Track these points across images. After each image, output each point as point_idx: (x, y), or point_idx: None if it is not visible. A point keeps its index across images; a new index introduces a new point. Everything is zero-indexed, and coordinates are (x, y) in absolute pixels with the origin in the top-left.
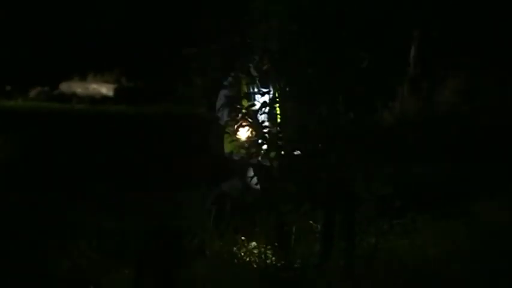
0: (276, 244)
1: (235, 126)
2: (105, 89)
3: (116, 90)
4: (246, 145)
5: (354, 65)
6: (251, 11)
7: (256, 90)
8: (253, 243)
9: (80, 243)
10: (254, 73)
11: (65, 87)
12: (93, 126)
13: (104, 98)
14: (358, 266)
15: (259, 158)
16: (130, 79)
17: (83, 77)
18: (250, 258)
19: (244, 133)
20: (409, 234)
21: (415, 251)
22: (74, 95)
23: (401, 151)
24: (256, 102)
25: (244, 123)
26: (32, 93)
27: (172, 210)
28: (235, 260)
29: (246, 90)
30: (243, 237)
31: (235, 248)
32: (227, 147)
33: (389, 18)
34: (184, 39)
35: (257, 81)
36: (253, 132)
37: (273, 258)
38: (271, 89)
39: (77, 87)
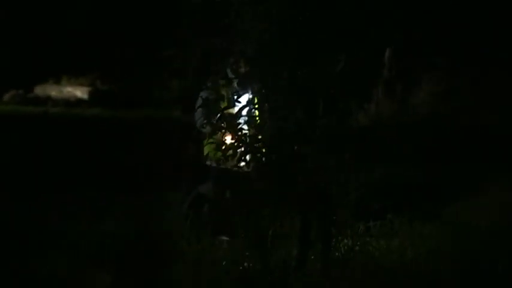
0: (253, 247)
1: (212, 130)
2: (80, 92)
3: (90, 93)
4: (223, 147)
5: (329, 68)
6: (229, 13)
7: (233, 93)
8: (231, 246)
9: (59, 248)
10: (231, 76)
11: (39, 90)
12: (68, 129)
13: (79, 101)
14: (335, 268)
15: (233, 162)
16: (105, 82)
17: (57, 80)
18: (228, 262)
19: (222, 136)
20: (386, 236)
21: (391, 253)
22: (48, 98)
23: (377, 153)
24: (236, 106)
25: (221, 127)
26: (6, 96)
27: (150, 214)
28: (213, 263)
29: (225, 94)
30: (222, 239)
31: (212, 251)
32: (205, 150)
33: (366, 21)
34: (162, 41)
35: (234, 84)
36: (230, 136)
37: (251, 262)
38: (249, 92)
39: (52, 90)
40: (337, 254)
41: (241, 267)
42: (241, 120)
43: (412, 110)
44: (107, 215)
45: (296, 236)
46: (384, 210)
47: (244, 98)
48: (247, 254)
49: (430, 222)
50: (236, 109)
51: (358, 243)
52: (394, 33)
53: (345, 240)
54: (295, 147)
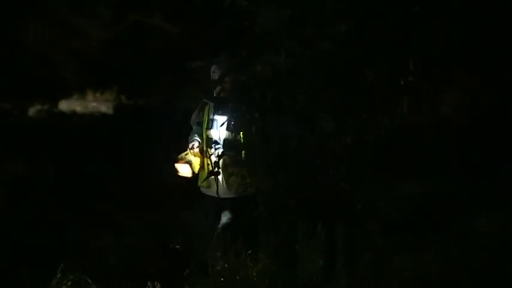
0: (279, 262)
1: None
2: (105, 107)
3: (115, 108)
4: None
5: (357, 81)
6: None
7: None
8: (257, 262)
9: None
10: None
11: (64, 105)
12: (93, 144)
13: (104, 116)
14: (362, 282)
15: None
16: (130, 97)
17: (82, 95)
18: (253, 277)
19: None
20: (413, 250)
21: (418, 268)
22: (73, 113)
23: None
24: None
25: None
26: (31, 111)
27: (177, 228)
28: (239, 279)
29: (205, 116)
30: (248, 254)
31: (238, 267)
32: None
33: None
34: (188, 54)
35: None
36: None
37: (278, 276)
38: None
39: (77, 105)
40: (363, 267)
41: (267, 282)
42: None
43: (436, 122)
44: (131, 228)
45: (322, 250)
46: (410, 224)
47: (222, 120)
48: (273, 268)
49: (459, 235)
50: (213, 132)
51: (385, 257)
52: (419, 47)
53: (372, 254)
54: (319, 160)
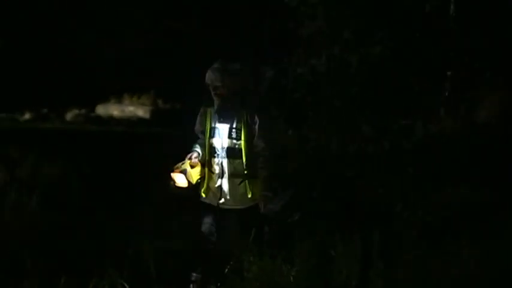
0: (315, 267)
1: (187, 159)
2: (142, 111)
3: (152, 113)
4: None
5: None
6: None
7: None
8: (293, 267)
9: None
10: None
11: (101, 109)
12: (130, 148)
13: (141, 121)
14: None
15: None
16: (167, 101)
17: (119, 100)
18: (289, 282)
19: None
20: (451, 257)
21: (456, 274)
22: (110, 118)
23: (442, 172)
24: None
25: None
26: (69, 116)
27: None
28: (274, 284)
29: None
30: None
31: (273, 271)
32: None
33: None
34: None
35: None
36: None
37: (313, 281)
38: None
39: (114, 110)
40: (400, 274)
41: (303, 286)
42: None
43: (473, 128)
44: (169, 232)
45: (357, 255)
46: (447, 231)
47: (224, 128)
48: (309, 273)
49: (499, 242)
50: (216, 140)
51: (421, 264)
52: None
53: (409, 260)
54: (358, 165)
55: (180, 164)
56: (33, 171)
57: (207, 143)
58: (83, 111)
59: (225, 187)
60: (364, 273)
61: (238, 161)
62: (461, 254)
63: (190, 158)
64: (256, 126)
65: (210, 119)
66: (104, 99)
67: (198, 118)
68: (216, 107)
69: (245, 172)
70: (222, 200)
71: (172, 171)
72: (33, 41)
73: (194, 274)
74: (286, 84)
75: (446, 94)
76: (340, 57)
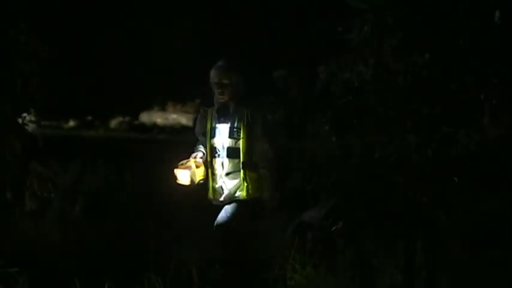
0: (358, 275)
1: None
2: (185, 119)
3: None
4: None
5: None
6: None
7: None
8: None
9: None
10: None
11: (145, 117)
12: (173, 156)
13: (184, 128)
14: None
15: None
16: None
17: (162, 107)
18: None
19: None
20: (495, 266)
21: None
22: (154, 125)
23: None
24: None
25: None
26: (113, 123)
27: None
28: None
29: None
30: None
31: (316, 280)
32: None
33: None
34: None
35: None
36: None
37: None
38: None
39: (157, 118)
40: (444, 283)
41: None
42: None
43: None
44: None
45: (401, 264)
46: (494, 238)
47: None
48: (351, 282)
49: None
50: (217, 140)
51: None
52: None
53: (453, 269)
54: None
55: (185, 161)
56: (76, 179)
57: (208, 144)
58: (127, 118)
59: (226, 186)
60: (408, 282)
61: (237, 160)
62: (505, 263)
63: (194, 157)
64: (259, 127)
65: (211, 120)
66: (148, 107)
67: (198, 120)
68: (216, 106)
69: (241, 170)
70: (222, 199)
71: (176, 167)
72: (78, 49)
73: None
74: (335, 89)
75: (493, 102)
76: (386, 64)
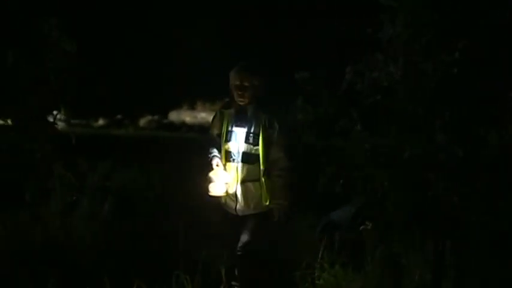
0: (387, 275)
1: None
2: None
3: None
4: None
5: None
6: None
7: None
8: (364, 275)
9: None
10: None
11: (174, 116)
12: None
13: None
14: None
15: None
16: None
17: (191, 106)
18: None
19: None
20: None
21: None
22: (183, 124)
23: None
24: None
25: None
26: (142, 122)
27: (283, 238)
28: None
29: (227, 128)
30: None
31: (344, 279)
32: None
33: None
34: (294, 64)
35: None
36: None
37: None
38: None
39: (186, 116)
40: (473, 282)
41: None
42: (236, 154)
43: None
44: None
45: (429, 263)
46: None
47: (241, 132)
48: (379, 282)
49: None
50: (232, 144)
51: (496, 273)
52: None
53: (482, 269)
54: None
55: (214, 172)
56: (105, 178)
57: (222, 147)
58: (156, 117)
59: (239, 193)
60: (436, 282)
61: (253, 166)
62: None
63: (217, 165)
64: (276, 133)
65: (227, 122)
66: (177, 106)
67: (213, 121)
68: (234, 109)
69: (262, 178)
70: (238, 207)
71: (210, 181)
72: (109, 47)
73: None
74: (362, 88)
75: None
76: (416, 63)
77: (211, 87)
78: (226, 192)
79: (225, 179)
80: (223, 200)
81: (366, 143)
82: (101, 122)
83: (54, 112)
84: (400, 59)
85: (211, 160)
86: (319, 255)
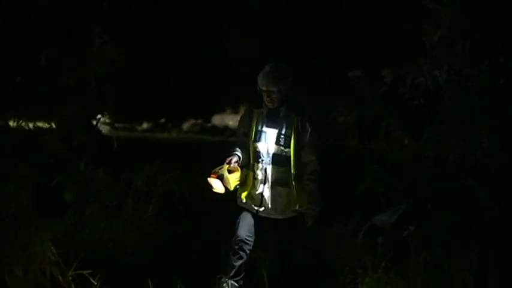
0: (429, 280)
1: (226, 164)
2: None
3: None
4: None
5: None
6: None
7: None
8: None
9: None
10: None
11: (217, 119)
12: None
13: None
14: None
15: None
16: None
17: (235, 110)
18: None
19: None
20: None
21: None
22: (226, 128)
23: None
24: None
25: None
26: (185, 125)
27: (329, 242)
28: None
29: (257, 127)
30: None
31: (387, 284)
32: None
33: None
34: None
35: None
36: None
37: None
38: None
39: (229, 120)
40: None
41: None
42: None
43: None
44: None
45: (473, 268)
46: None
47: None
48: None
49: None
50: (261, 145)
51: None
52: None
53: None
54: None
55: (218, 168)
56: (149, 181)
57: (251, 147)
58: (199, 121)
59: (266, 194)
60: (481, 287)
61: (283, 168)
62: None
63: (229, 163)
64: (308, 136)
65: (257, 122)
66: (220, 110)
67: (242, 119)
68: (266, 110)
69: (293, 182)
70: (262, 208)
71: (209, 176)
72: (152, 51)
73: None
74: (405, 92)
75: None
76: (461, 68)
77: (255, 91)
78: (246, 190)
79: (230, 177)
80: (243, 200)
81: (409, 146)
82: (144, 125)
83: (98, 116)
84: (444, 64)
85: (228, 157)
86: (362, 260)
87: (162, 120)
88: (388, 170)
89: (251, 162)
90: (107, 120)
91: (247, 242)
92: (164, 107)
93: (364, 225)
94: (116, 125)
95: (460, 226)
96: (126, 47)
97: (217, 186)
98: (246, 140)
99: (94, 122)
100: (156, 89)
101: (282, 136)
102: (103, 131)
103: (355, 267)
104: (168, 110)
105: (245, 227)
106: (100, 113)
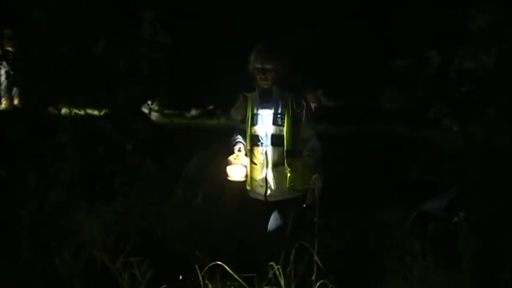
0: (479, 267)
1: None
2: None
3: (315, 109)
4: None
5: None
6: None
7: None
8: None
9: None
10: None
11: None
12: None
13: None
14: None
15: None
16: (331, 98)
17: None
18: (453, 283)
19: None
20: None
21: None
22: None
23: None
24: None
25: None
26: (193, 112)
27: (372, 229)
28: (438, 285)
29: (252, 111)
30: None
31: (437, 272)
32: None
33: None
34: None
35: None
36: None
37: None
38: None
39: None
40: None
41: None
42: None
43: None
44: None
45: None
46: None
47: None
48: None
49: None
50: (259, 128)
51: None
52: None
53: None
54: None
55: (235, 155)
56: (199, 168)
57: (248, 131)
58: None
59: (270, 177)
60: None
61: (282, 148)
62: None
63: (240, 150)
64: (304, 111)
65: (252, 105)
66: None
67: (236, 105)
68: (258, 91)
69: (285, 159)
70: (269, 192)
71: (229, 164)
72: (201, 38)
73: None
74: (452, 77)
75: None
76: (509, 53)
77: (297, 78)
78: (249, 177)
79: (244, 163)
80: (249, 187)
81: (457, 133)
82: (193, 112)
83: (148, 102)
84: (492, 49)
85: (234, 146)
86: (411, 247)
87: (211, 107)
88: (437, 157)
89: (249, 147)
90: (156, 107)
91: (258, 236)
92: (213, 93)
93: (412, 212)
94: (165, 111)
95: (510, 213)
96: (177, 34)
97: (238, 174)
98: (244, 127)
99: (146, 110)
100: (205, 75)
101: (279, 115)
102: (153, 118)
103: (404, 255)
104: (217, 96)
105: (256, 222)
106: (151, 100)
